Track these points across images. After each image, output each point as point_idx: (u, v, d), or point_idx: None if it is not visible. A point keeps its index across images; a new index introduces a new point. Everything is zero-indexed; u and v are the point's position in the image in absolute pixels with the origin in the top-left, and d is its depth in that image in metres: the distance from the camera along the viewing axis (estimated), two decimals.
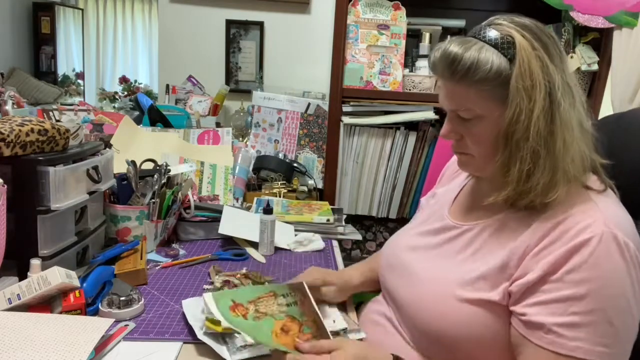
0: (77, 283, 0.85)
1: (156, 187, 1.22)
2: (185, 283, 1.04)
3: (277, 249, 1.27)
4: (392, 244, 0.96)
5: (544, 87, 0.68)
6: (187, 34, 2.07)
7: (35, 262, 0.86)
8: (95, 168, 1.06)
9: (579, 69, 1.78)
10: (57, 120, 1.52)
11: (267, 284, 1.03)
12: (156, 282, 1.04)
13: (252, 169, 1.77)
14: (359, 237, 1.51)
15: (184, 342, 0.81)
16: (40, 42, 3.27)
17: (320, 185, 1.88)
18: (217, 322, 0.76)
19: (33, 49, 3.23)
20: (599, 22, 1.72)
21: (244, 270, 1.08)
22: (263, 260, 1.20)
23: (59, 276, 0.80)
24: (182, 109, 1.92)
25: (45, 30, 3.30)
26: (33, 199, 0.90)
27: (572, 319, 0.63)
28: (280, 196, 1.65)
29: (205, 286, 1.03)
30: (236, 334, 0.76)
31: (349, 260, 1.94)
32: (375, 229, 2.00)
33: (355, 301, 1.04)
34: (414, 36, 1.90)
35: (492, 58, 0.69)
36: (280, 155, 1.84)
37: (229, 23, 2.05)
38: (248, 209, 1.55)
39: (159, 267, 1.12)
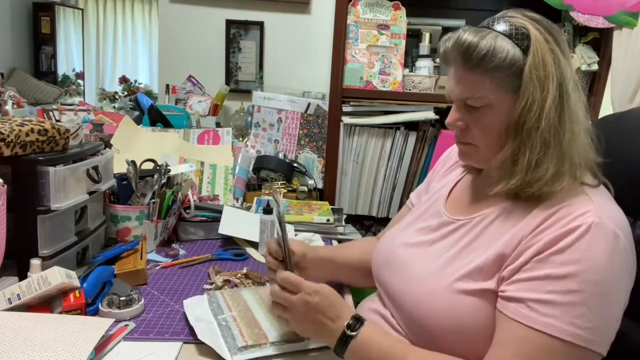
0: (77, 283, 0.85)
1: (156, 187, 1.22)
2: (185, 283, 1.04)
3: None
4: (386, 242, 0.96)
5: (556, 79, 0.69)
6: (187, 34, 2.07)
7: (35, 262, 0.86)
8: (95, 168, 1.06)
9: (579, 69, 1.78)
10: (57, 120, 1.52)
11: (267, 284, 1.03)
12: (156, 282, 1.04)
13: (252, 169, 1.77)
14: (359, 237, 1.52)
15: (184, 342, 0.81)
16: (40, 42, 3.27)
17: (320, 185, 1.88)
18: None
19: (33, 49, 3.23)
20: (599, 22, 1.72)
21: (244, 270, 1.08)
22: (263, 260, 1.20)
23: (59, 276, 0.80)
24: (182, 109, 1.92)
25: (45, 30, 3.30)
26: (33, 199, 0.90)
27: (549, 297, 0.63)
28: (280, 196, 1.65)
29: (205, 286, 1.03)
30: None
31: None
32: (375, 229, 2.00)
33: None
34: (414, 36, 1.90)
35: (508, 47, 0.70)
36: (280, 155, 1.84)
37: (229, 23, 2.05)
38: (248, 209, 1.55)
39: (159, 267, 1.12)
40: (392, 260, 0.89)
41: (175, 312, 0.90)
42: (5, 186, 0.85)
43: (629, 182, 0.96)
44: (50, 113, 1.65)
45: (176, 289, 1.01)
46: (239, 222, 1.34)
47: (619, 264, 0.64)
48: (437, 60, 1.82)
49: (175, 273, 1.09)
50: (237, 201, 1.61)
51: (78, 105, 1.82)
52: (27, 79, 2.75)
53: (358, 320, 0.73)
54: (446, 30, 1.90)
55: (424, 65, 1.85)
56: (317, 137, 1.92)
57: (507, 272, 0.69)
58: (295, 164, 1.83)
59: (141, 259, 1.06)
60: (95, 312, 0.86)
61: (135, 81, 3.57)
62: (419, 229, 0.89)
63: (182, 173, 1.39)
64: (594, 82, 1.84)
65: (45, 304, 0.82)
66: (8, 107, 1.57)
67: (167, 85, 2.05)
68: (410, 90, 1.84)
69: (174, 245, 1.26)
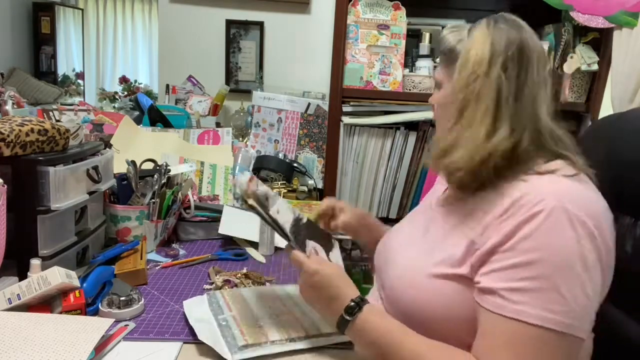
0: (77, 283, 0.85)
1: (156, 187, 1.22)
2: (185, 283, 1.04)
3: (277, 249, 1.27)
4: (383, 240, 0.99)
5: (497, 66, 0.74)
6: (187, 34, 2.07)
7: (35, 262, 0.86)
8: (95, 168, 1.06)
9: (579, 69, 1.78)
10: (57, 120, 1.52)
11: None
12: (156, 282, 1.04)
13: (252, 169, 1.77)
14: None
15: (184, 342, 0.81)
16: (40, 42, 3.27)
17: (320, 185, 1.88)
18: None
19: (33, 49, 3.23)
20: (599, 22, 1.72)
21: (244, 270, 1.08)
22: (263, 260, 1.20)
23: (59, 276, 0.80)
24: (182, 109, 1.92)
25: (45, 30, 3.29)
26: (33, 199, 0.90)
27: (519, 284, 0.64)
28: (280, 196, 1.65)
29: (205, 286, 1.03)
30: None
31: (348, 260, 1.94)
32: None
33: None
34: (414, 36, 1.90)
35: (450, 39, 0.83)
36: (280, 155, 1.84)
37: (229, 23, 2.05)
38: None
39: (159, 267, 1.12)
40: (386, 251, 0.93)
41: (175, 312, 0.90)
42: (5, 186, 0.85)
43: (630, 182, 0.96)
44: (50, 113, 1.65)
45: (176, 289, 1.01)
46: (239, 222, 1.34)
47: (586, 247, 0.65)
48: (437, 60, 1.82)
49: (175, 273, 1.09)
50: (237, 201, 1.61)
51: (78, 105, 1.82)
52: (27, 79, 2.74)
53: (357, 305, 0.74)
54: None
55: (424, 65, 1.85)
56: (317, 137, 1.92)
57: (476, 260, 0.70)
58: (295, 164, 1.83)
59: (141, 259, 1.06)
60: (95, 312, 0.86)
61: (135, 81, 3.57)
62: (411, 221, 0.94)
63: (182, 173, 1.39)
64: (594, 82, 1.84)
65: (45, 304, 0.82)
66: (8, 107, 1.57)
67: (167, 85, 2.05)
68: (410, 90, 1.84)
69: (174, 245, 1.26)
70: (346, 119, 1.82)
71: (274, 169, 1.76)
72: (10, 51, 2.93)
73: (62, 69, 3.58)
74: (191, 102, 1.96)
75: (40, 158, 0.92)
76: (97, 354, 0.74)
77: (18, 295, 0.79)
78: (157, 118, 1.79)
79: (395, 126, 1.84)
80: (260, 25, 2.06)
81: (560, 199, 0.66)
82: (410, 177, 1.87)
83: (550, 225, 0.65)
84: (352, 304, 0.74)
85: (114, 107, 2.48)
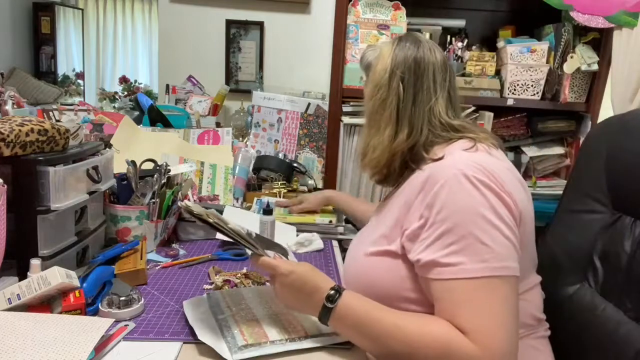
0: (77, 283, 0.85)
1: (156, 187, 1.22)
2: (185, 283, 1.04)
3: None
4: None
5: (396, 77, 0.90)
6: (187, 34, 2.07)
7: (35, 262, 0.86)
8: (95, 168, 1.06)
9: (579, 69, 1.78)
10: (57, 120, 1.53)
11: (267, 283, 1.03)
12: (156, 282, 1.04)
13: (252, 169, 1.77)
14: None
15: (184, 342, 0.81)
16: (40, 42, 3.26)
17: (320, 185, 1.88)
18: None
19: (33, 49, 3.23)
20: (599, 22, 1.72)
21: (244, 270, 1.08)
22: None
23: (58, 276, 0.80)
24: (182, 109, 1.91)
25: (45, 30, 3.29)
26: (33, 199, 0.90)
27: (451, 249, 0.74)
28: (280, 196, 1.65)
29: (205, 286, 1.03)
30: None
31: None
32: None
33: None
34: None
35: (370, 56, 1.01)
36: (280, 155, 1.84)
37: (229, 23, 2.05)
38: (248, 209, 1.55)
39: (159, 267, 1.12)
40: (348, 254, 1.02)
41: (175, 312, 0.90)
42: (5, 186, 0.85)
43: (630, 183, 0.96)
44: (50, 113, 1.64)
45: (176, 289, 1.01)
46: (239, 222, 1.34)
47: (490, 198, 0.75)
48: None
49: (175, 273, 1.09)
50: (237, 201, 1.61)
51: (78, 105, 1.82)
52: (27, 79, 2.74)
53: (337, 292, 0.79)
54: (446, 30, 1.91)
55: None
56: (317, 137, 1.92)
57: (405, 238, 0.82)
58: (295, 164, 1.83)
59: (141, 259, 1.06)
60: (95, 312, 0.86)
61: (135, 81, 3.56)
62: (369, 224, 1.03)
63: (182, 173, 1.39)
64: (594, 82, 1.84)
65: (45, 304, 0.82)
66: (8, 107, 1.57)
67: (167, 85, 2.05)
68: None
69: (174, 245, 1.26)
70: (346, 119, 1.82)
71: (274, 169, 1.76)
72: (10, 51, 2.93)
73: (62, 69, 3.57)
74: (191, 102, 1.96)
75: (40, 158, 0.92)
76: (97, 354, 0.74)
77: (18, 295, 0.79)
78: (157, 118, 1.78)
79: None
80: (260, 25, 2.06)
81: (457, 167, 0.78)
82: None
83: (452, 191, 0.76)
84: (332, 292, 0.78)
85: (114, 107, 2.47)
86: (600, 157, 1.02)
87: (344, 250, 1.33)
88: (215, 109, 1.97)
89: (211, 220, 0.82)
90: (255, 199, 1.60)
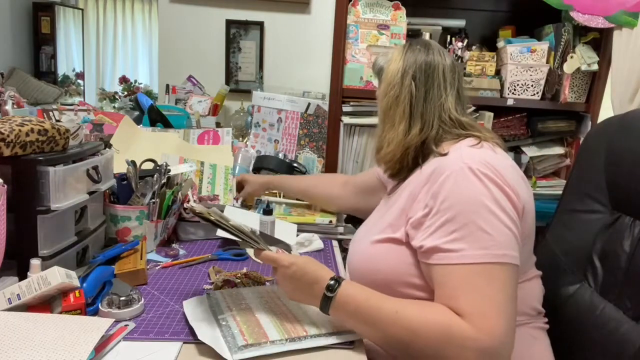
0: (77, 283, 0.85)
1: (156, 187, 1.22)
2: (185, 283, 1.04)
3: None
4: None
5: (408, 76, 0.97)
6: (187, 34, 2.07)
7: (35, 262, 0.86)
8: (95, 168, 1.06)
9: (579, 69, 1.78)
10: (57, 120, 1.52)
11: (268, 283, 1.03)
12: (156, 282, 1.04)
13: (252, 169, 1.77)
14: None
15: (184, 342, 0.81)
16: (40, 42, 3.26)
17: None
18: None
19: (33, 49, 3.23)
20: (599, 22, 1.72)
21: (244, 270, 1.08)
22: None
23: (59, 276, 0.80)
24: (182, 109, 1.91)
25: (45, 30, 3.29)
26: (33, 199, 0.90)
27: (452, 236, 0.78)
28: (280, 196, 1.65)
29: (205, 286, 1.03)
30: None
31: None
32: None
33: None
34: (414, 36, 1.90)
35: (381, 61, 1.07)
36: (280, 155, 1.84)
37: (229, 23, 2.05)
38: (248, 208, 1.55)
39: (159, 267, 1.12)
40: (352, 244, 1.07)
41: (175, 312, 0.90)
42: (5, 186, 0.85)
43: (630, 183, 0.96)
44: (50, 113, 1.64)
45: (176, 289, 1.01)
46: (239, 222, 1.34)
47: (493, 190, 0.79)
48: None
49: (175, 273, 1.09)
50: (237, 201, 1.61)
51: (78, 105, 1.82)
52: (27, 79, 2.74)
53: (337, 282, 0.81)
54: (446, 30, 1.91)
55: None
56: (317, 137, 1.92)
57: (410, 226, 0.86)
58: (295, 164, 1.83)
59: (141, 259, 1.06)
60: (95, 312, 0.86)
61: (135, 81, 3.56)
62: (373, 215, 1.07)
63: (182, 173, 1.39)
64: (594, 82, 1.84)
65: (45, 304, 0.82)
66: (8, 107, 1.57)
67: (167, 85, 2.05)
68: None
69: (174, 245, 1.26)
70: (346, 119, 1.82)
71: (274, 169, 1.76)
72: (10, 51, 2.93)
73: (62, 69, 3.57)
74: (191, 102, 1.96)
75: (40, 158, 0.92)
76: (97, 354, 0.74)
77: (18, 295, 0.79)
78: (157, 118, 1.78)
79: None
80: (260, 25, 2.06)
81: (462, 161, 0.83)
82: None
83: (457, 182, 0.80)
84: (332, 282, 0.81)
85: (114, 107, 2.47)
86: (600, 157, 1.02)
87: (344, 250, 1.33)
88: (215, 109, 1.97)
89: (213, 218, 0.84)
90: (255, 198, 1.60)
